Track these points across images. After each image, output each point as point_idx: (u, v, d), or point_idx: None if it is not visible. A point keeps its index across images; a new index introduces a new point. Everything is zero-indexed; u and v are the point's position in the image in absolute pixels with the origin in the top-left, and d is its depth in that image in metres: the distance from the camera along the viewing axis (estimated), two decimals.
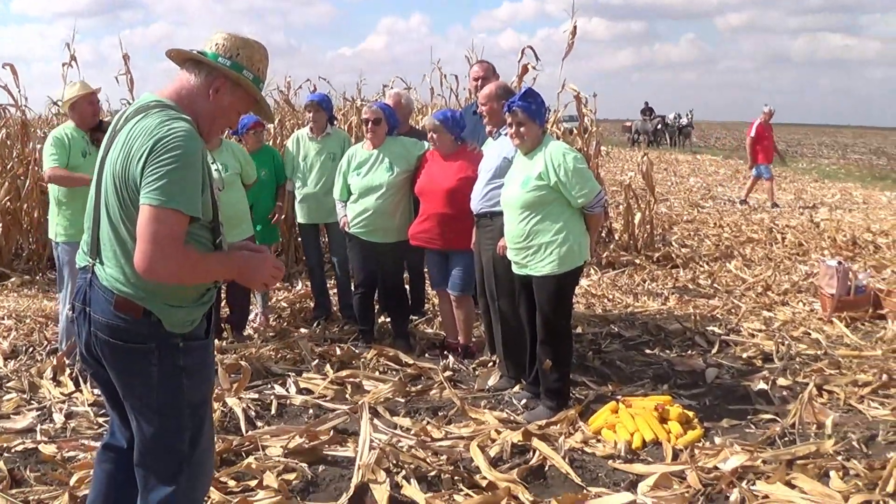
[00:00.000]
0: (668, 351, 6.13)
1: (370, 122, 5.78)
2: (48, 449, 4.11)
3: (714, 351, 6.11)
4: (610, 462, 4.11)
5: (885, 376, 5.32)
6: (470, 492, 3.69)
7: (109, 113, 5.50)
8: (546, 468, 4.02)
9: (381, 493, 3.60)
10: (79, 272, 2.63)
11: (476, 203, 5.21)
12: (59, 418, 4.59)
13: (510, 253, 4.73)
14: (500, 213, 5.01)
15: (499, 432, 4.37)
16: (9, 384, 5.16)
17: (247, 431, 4.37)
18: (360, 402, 4.70)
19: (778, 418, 4.71)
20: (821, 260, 9.19)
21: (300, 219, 6.76)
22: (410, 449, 4.06)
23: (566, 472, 3.94)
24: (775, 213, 14.28)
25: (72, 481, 3.65)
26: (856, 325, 6.78)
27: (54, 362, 5.37)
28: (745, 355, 5.98)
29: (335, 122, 6.95)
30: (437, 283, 5.88)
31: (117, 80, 5.43)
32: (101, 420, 4.52)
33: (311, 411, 4.79)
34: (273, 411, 4.77)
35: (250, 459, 4.00)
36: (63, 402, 4.84)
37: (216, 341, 5.99)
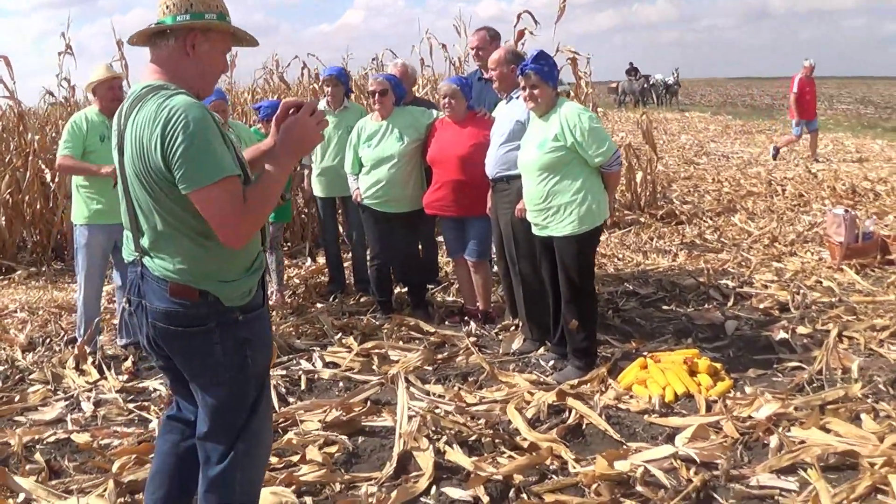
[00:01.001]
0: (684, 306, 6.12)
1: (377, 94, 5.71)
2: (82, 438, 4.05)
3: (730, 303, 6.10)
4: (645, 417, 4.11)
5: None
6: (513, 453, 3.68)
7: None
8: (583, 426, 4.02)
9: (425, 459, 3.59)
10: (128, 267, 2.60)
11: (491, 168, 5.16)
12: (87, 407, 4.53)
13: (530, 215, 4.69)
14: (516, 177, 4.98)
15: (531, 394, 4.36)
16: (31, 376, 5.08)
17: (280, 408, 4.34)
18: (392, 373, 4.69)
19: (804, 365, 4.71)
20: (827, 209, 9.20)
21: (318, 192, 6.70)
22: (448, 415, 4.04)
23: (604, 428, 3.94)
24: (771, 165, 14.25)
25: (114, 468, 3.60)
26: (865, 272, 6.78)
27: (75, 351, 5.31)
28: (761, 306, 5.97)
29: (351, 96, 6.86)
30: (453, 250, 5.85)
31: (111, 66, 5.34)
32: (130, 406, 4.48)
33: (340, 384, 4.77)
34: (303, 386, 4.74)
35: (290, 435, 3.98)
36: (89, 390, 4.78)
37: None
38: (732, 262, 7.34)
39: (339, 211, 7.21)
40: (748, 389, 4.38)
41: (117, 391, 4.73)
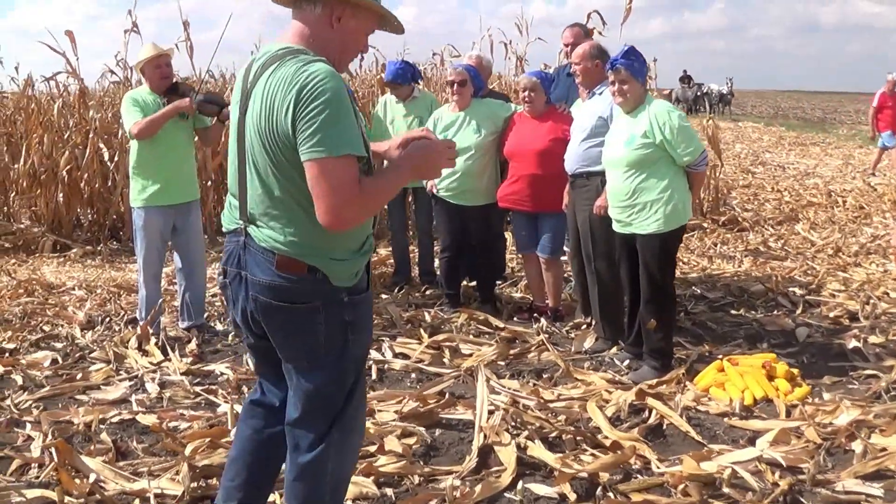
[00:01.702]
0: (753, 311, 6.02)
1: (455, 84, 5.67)
2: (148, 419, 3.98)
3: (799, 311, 5.99)
4: (725, 419, 4.04)
5: None
6: (595, 451, 3.64)
7: (179, 77, 5.41)
8: (664, 427, 3.96)
9: (507, 454, 3.54)
10: (227, 236, 2.50)
11: (572, 163, 5.12)
12: (152, 388, 4.46)
13: (613, 212, 4.64)
14: (597, 173, 4.94)
15: (609, 392, 4.32)
16: (92, 354, 5.04)
17: None
18: (465, 366, 4.68)
19: (878, 374, 4.60)
20: (888, 221, 9.02)
21: None
22: (529, 410, 4.01)
23: (685, 430, 3.88)
24: (829, 177, 13.96)
25: (186, 451, 3.53)
26: None
27: (137, 332, 5.30)
28: (831, 315, 5.85)
29: (420, 82, 6.84)
30: (524, 246, 5.80)
31: (177, 46, 5.42)
32: (197, 389, 4.44)
33: (412, 375, 4.75)
34: (374, 376, 4.72)
35: (367, 424, 3.96)
36: (153, 371, 4.73)
37: None
38: (799, 271, 7.20)
39: (410, 201, 7.20)
40: (826, 395, 4.29)
41: (182, 373, 4.69)
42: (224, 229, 2.52)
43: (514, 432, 3.77)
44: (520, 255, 6.23)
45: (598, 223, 4.98)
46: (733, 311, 6.04)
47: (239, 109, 2.38)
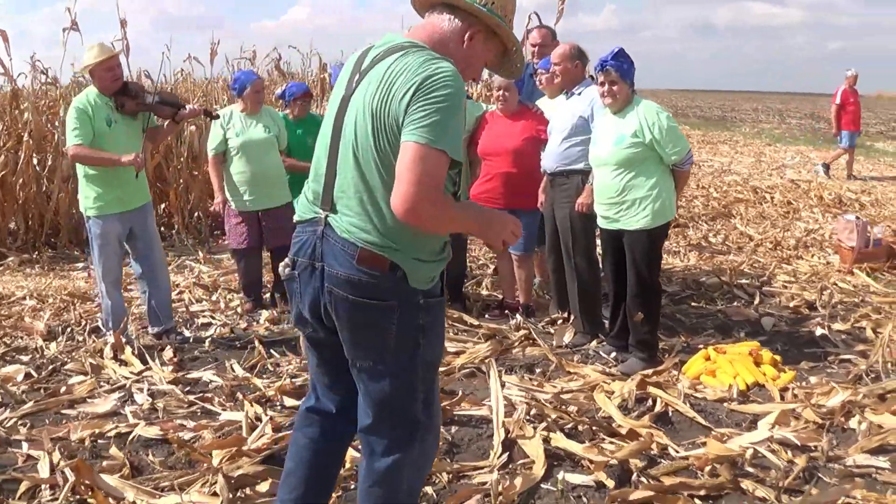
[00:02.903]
0: (713, 303, 6.37)
1: None
2: (149, 431, 3.93)
3: (757, 301, 6.38)
4: (725, 404, 4.31)
5: None
6: (613, 440, 3.83)
7: (129, 77, 5.39)
8: (669, 414, 4.20)
9: (533, 447, 3.69)
10: (298, 226, 2.49)
11: (551, 161, 5.33)
12: (142, 399, 4.39)
13: (600, 208, 4.86)
14: (577, 172, 5.18)
15: (607, 384, 4.53)
16: (67, 367, 4.95)
17: None
18: (465, 362, 4.82)
19: (852, 358, 4.99)
20: (815, 216, 9.64)
21: None
22: (546, 403, 4.16)
23: (692, 416, 4.13)
24: (745, 174, 14.67)
25: (215, 461, 3.52)
26: (875, 276, 7.13)
27: (108, 341, 5.20)
28: (791, 305, 6.26)
29: None
30: None
31: (113, 45, 5.37)
32: (191, 398, 4.40)
33: None
34: None
35: None
36: (137, 381, 4.67)
37: (269, 312, 6.02)
38: (746, 264, 7.63)
39: None
40: (813, 379, 4.63)
41: (169, 382, 4.64)
42: (297, 217, 2.52)
43: (533, 425, 3.92)
44: (490, 253, 6.39)
45: (578, 220, 5.21)
46: (694, 304, 6.38)
47: (345, 91, 2.40)
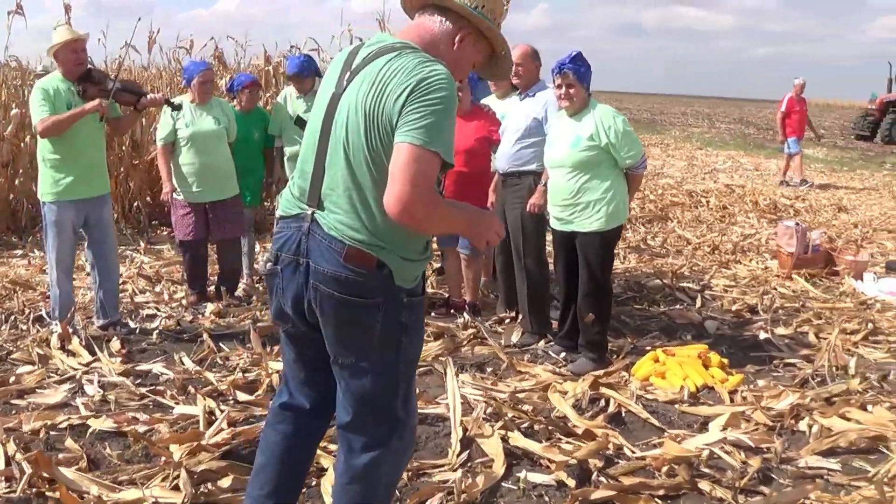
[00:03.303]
0: (656, 306, 6.49)
1: None
2: (102, 423, 3.87)
3: (698, 305, 6.52)
4: (676, 406, 4.40)
5: (870, 324, 5.86)
6: (569, 440, 3.87)
7: (91, 63, 5.30)
8: (623, 415, 4.26)
9: (491, 446, 3.71)
10: (281, 221, 2.49)
11: (504, 162, 5.36)
12: (92, 390, 4.34)
13: (554, 210, 4.91)
14: (529, 173, 5.23)
15: (559, 384, 4.57)
16: (13, 356, 4.85)
17: None
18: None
19: (795, 362, 5.14)
20: (750, 221, 9.92)
21: (290, 177, 6.70)
22: (504, 402, 4.18)
23: (645, 417, 4.20)
24: (678, 177, 15.00)
25: (176, 456, 3.45)
26: (814, 281, 7.36)
27: (53, 330, 5.13)
28: (733, 308, 6.42)
29: (321, 77, 6.86)
30: (445, 241, 5.99)
31: (55, 29, 5.28)
32: (143, 391, 4.35)
33: None
34: None
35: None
36: (87, 372, 4.61)
37: (214, 304, 5.94)
38: (686, 267, 7.79)
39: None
40: (761, 382, 4.76)
41: (119, 374, 4.58)
42: (280, 213, 2.52)
43: (490, 424, 3.94)
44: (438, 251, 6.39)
45: (529, 221, 5.26)
46: (637, 306, 6.50)
47: (334, 88, 2.41)
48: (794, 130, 14.40)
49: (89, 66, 5.26)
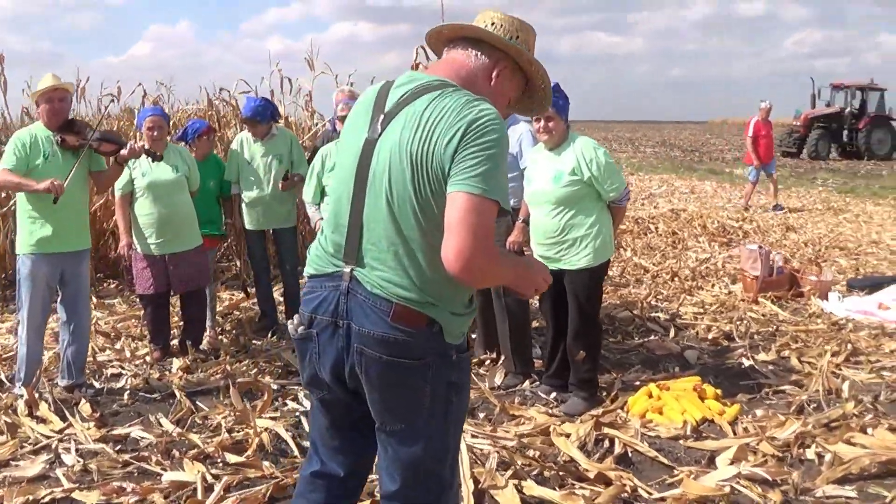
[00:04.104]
0: (630, 338, 6.55)
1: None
2: (88, 497, 3.75)
3: (673, 335, 6.61)
4: (680, 441, 4.42)
5: (849, 345, 6.03)
6: (583, 485, 3.85)
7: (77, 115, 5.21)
8: (629, 454, 4.27)
9: (507, 498, 3.65)
10: (312, 280, 2.40)
11: None
12: (70, 459, 4.17)
13: (540, 248, 4.91)
14: (506, 212, 5.22)
15: (557, 426, 4.55)
16: None
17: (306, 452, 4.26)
18: None
19: (788, 389, 5.24)
20: (701, 245, 10.15)
21: (248, 224, 6.58)
22: (506, 451, 4.14)
23: (652, 455, 4.21)
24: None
25: None
26: (780, 304, 7.54)
27: (17, 395, 4.96)
28: (710, 336, 6.52)
29: (278, 121, 6.80)
30: None
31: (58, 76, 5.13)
32: (126, 457, 4.17)
33: None
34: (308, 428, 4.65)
35: None
36: (61, 440, 4.43)
37: (180, 360, 5.79)
38: (652, 297, 7.90)
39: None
40: (759, 412, 4.83)
41: (95, 440, 4.42)
42: (312, 271, 2.43)
43: (500, 473, 3.89)
44: None
45: None
46: (613, 339, 6.54)
47: (368, 134, 2.31)
48: (763, 155, 14.33)
49: (71, 117, 5.21)
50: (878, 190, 18.49)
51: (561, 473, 3.96)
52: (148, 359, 5.95)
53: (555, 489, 3.80)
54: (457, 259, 2.10)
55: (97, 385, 5.38)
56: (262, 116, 6.43)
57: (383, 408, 2.35)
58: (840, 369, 5.60)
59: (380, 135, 2.28)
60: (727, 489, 3.73)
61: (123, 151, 5.10)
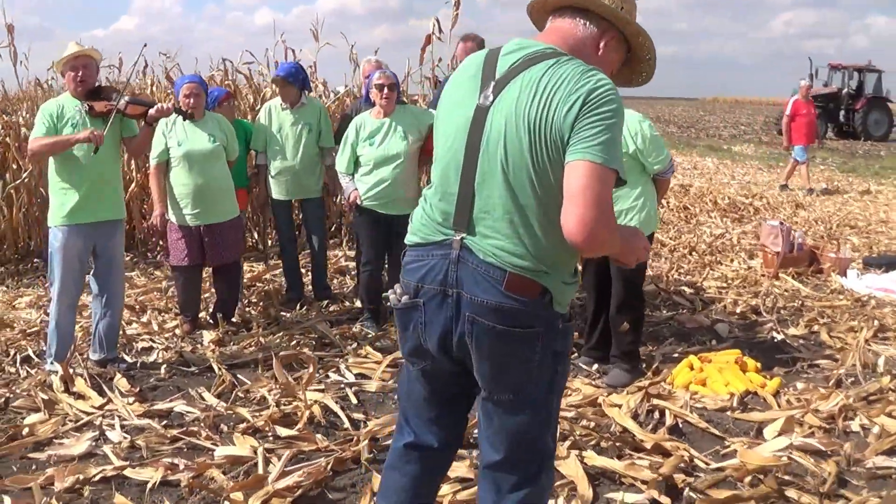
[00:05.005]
0: (659, 311, 6.64)
1: (386, 87, 5.72)
2: (142, 473, 3.73)
3: (700, 308, 6.69)
4: (728, 413, 4.51)
5: (875, 322, 6.13)
6: (640, 455, 3.93)
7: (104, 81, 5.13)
8: (679, 425, 4.35)
9: (570, 468, 3.72)
10: (417, 249, 2.40)
11: None
12: (116, 436, 4.15)
13: None
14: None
15: (605, 397, 4.63)
16: (14, 404, 4.57)
17: (359, 425, 4.32)
18: None
19: (822, 363, 5.34)
20: (713, 220, 10.23)
21: (275, 194, 6.59)
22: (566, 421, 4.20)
23: (703, 427, 4.30)
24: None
25: None
26: (801, 280, 7.64)
27: (50, 371, 4.92)
28: (737, 310, 6.61)
29: (309, 91, 6.81)
30: None
31: (81, 43, 5.06)
32: (174, 433, 4.17)
33: (395, 396, 4.79)
34: (354, 400, 4.71)
35: None
36: (104, 416, 4.41)
37: (211, 333, 5.80)
38: (674, 271, 7.98)
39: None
40: (800, 385, 4.92)
41: (139, 416, 4.40)
42: (417, 240, 2.43)
43: (560, 444, 3.96)
44: None
45: None
46: None
47: (478, 100, 2.30)
48: (801, 135, 13.79)
49: (98, 83, 5.11)
50: (879, 170, 18.63)
51: (618, 444, 4.04)
52: (178, 332, 5.94)
53: (613, 459, 3.87)
54: (579, 228, 2.10)
55: (128, 359, 5.35)
56: (295, 79, 6.45)
57: (492, 377, 2.36)
58: (869, 345, 5.70)
59: (492, 102, 2.26)
60: (784, 459, 3.81)
61: (152, 111, 5.00)
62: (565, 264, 2.33)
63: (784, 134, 13.95)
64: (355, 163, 5.86)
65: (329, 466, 3.76)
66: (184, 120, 5.53)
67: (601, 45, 2.37)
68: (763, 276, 7.81)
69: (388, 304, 2.55)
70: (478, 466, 2.69)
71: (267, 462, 3.84)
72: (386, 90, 5.73)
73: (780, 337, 5.90)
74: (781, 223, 8.05)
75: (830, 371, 5.17)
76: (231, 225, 5.82)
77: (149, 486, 3.60)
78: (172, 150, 5.65)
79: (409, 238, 2.48)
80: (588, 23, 2.36)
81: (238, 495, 3.48)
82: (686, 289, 7.27)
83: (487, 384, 2.38)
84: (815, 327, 6.10)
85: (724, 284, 7.50)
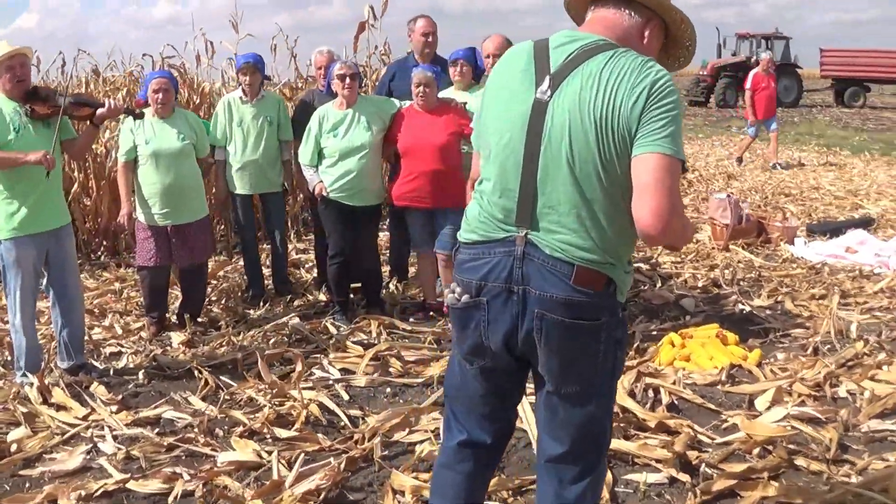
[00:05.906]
0: None
1: (348, 78, 5.66)
2: (145, 486, 3.64)
3: (660, 284, 6.83)
4: (718, 387, 4.63)
5: (837, 288, 6.36)
6: (648, 434, 4.01)
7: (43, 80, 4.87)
8: (675, 402, 4.45)
9: None
10: (478, 247, 2.39)
11: None
12: (109, 447, 4.04)
13: None
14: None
15: None
16: None
17: (357, 422, 4.30)
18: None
19: (794, 332, 5.52)
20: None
21: (238, 189, 6.46)
22: None
23: (699, 402, 4.41)
24: None
25: None
26: (751, 250, 7.86)
27: (23, 383, 4.73)
28: (699, 284, 6.77)
29: (265, 84, 6.70)
30: (420, 243, 5.96)
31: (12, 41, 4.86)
32: (170, 440, 4.07)
33: (387, 390, 4.75)
34: (346, 396, 4.66)
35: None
36: (91, 427, 4.27)
37: (179, 334, 5.68)
38: None
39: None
40: (780, 355, 5.08)
41: (128, 425, 4.28)
42: (476, 237, 2.41)
43: None
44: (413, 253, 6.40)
45: None
46: None
47: (535, 94, 2.28)
48: (762, 109, 13.58)
49: (34, 84, 4.85)
50: (797, 136, 19.24)
51: (622, 425, 4.10)
52: (144, 334, 5.80)
53: (620, 440, 3.94)
54: (655, 220, 2.13)
55: (99, 366, 5.19)
56: (262, 65, 6.41)
57: (560, 371, 2.37)
58: (835, 312, 5.91)
59: (551, 96, 2.26)
60: (789, 429, 3.94)
61: (101, 111, 4.80)
62: (626, 254, 2.37)
63: (748, 108, 13.81)
64: (319, 154, 5.79)
65: (343, 466, 3.73)
66: (134, 120, 5.36)
67: (646, 33, 2.39)
68: (714, 248, 8.00)
69: (447, 303, 2.51)
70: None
71: (268, 466, 3.77)
72: (348, 80, 5.67)
73: (746, 308, 6.07)
74: (729, 195, 8.27)
75: (805, 340, 5.35)
76: (200, 225, 5.70)
77: (170, 499, 3.51)
78: (140, 147, 5.49)
79: (467, 236, 2.45)
80: (633, 12, 2.37)
81: (258, 503, 3.42)
82: (642, 265, 7.40)
83: (555, 378, 2.40)
84: (779, 297, 6.30)
85: (678, 259, 7.66)
